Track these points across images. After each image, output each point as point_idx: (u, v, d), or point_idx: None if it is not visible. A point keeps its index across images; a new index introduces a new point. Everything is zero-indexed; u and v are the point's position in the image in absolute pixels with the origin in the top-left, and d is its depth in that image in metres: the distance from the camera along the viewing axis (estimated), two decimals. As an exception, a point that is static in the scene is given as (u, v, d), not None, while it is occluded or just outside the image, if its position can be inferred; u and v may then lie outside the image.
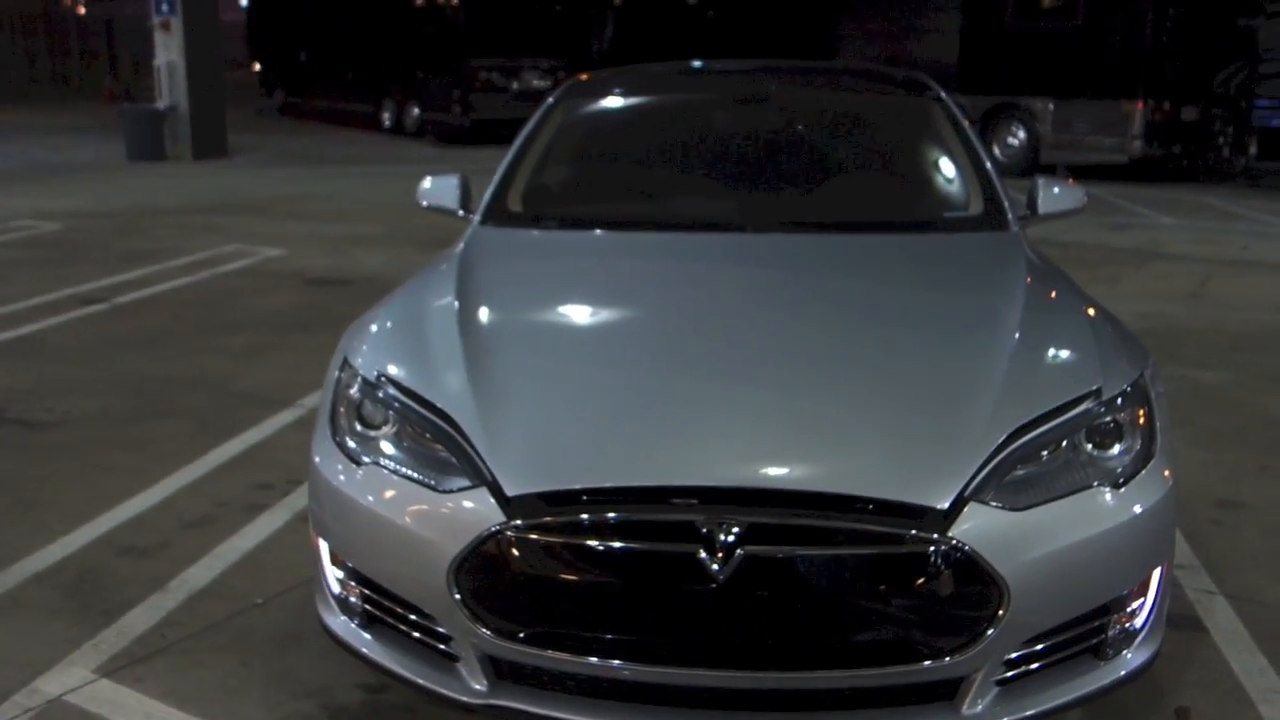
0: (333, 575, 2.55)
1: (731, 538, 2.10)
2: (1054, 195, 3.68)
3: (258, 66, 28.36)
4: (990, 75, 15.25)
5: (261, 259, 8.87)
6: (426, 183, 3.91)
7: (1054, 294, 2.98)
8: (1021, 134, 15.28)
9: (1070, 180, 3.85)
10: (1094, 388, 2.42)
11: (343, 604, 2.54)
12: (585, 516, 2.16)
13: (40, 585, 3.36)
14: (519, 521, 2.18)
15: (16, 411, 4.98)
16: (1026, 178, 3.85)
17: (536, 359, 2.63)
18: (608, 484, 2.21)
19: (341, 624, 2.55)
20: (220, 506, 3.94)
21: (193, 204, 11.89)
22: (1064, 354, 2.63)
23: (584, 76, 4.44)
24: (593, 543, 2.16)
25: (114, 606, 3.21)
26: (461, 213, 3.75)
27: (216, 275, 8.22)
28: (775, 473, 2.24)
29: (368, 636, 2.49)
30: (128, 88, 28.41)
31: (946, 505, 2.15)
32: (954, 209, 3.64)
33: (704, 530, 2.11)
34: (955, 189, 3.70)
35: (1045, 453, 2.31)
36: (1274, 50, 15.22)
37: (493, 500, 2.22)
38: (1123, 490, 2.31)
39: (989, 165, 3.68)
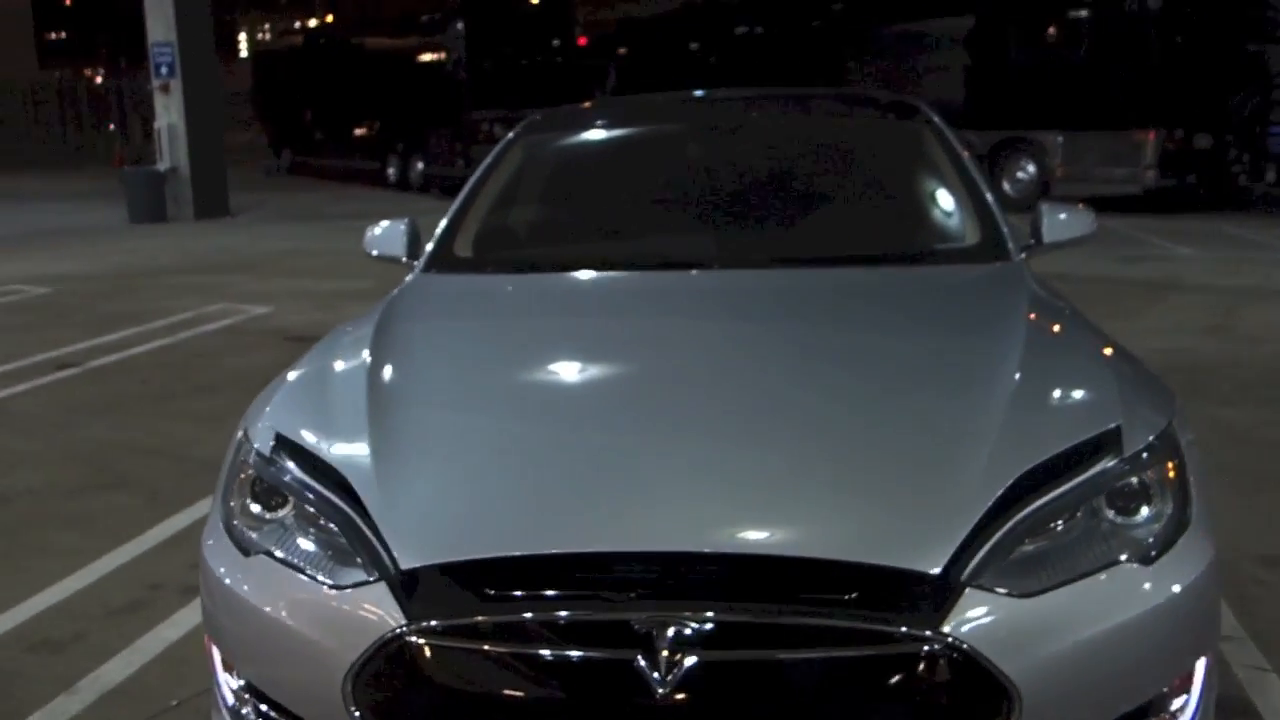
0: (226, 684, 2.18)
1: (676, 636, 1.72)
2: (1060, 221, 3.31)
3: (263, 128, 28.47)
4: (996, 109, 14.96)
5: (246, 318, 8.59)
6: (376, 229, 3.58)
7: (1062, 329, 2.61)
8: (1031, 168, 14.95)
9: (1079, 205, 3.49)
10: (1112, 426, 2.04)
11: (237, 718, 2.17)
12: (486, 619, 1.79)
13: (-62, 688, 3.00)
14: (422, 624, 1.81)
15: (-44, 488, 4.65)
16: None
17: (454, 418, 2.27)
18: (514, 553, 1.84)
19: (238, 743, 2.17)
20: (153, 590, 3.58)
21: (187, 264, 11.68)
22: (1075, 395, 2.25)
23: (546, 111, 4.12)
24: (507, 649, 1.79)
25: (10, 712, 2.84)
26: (406, 260, 3.42)
27: (197, 336, 7.94)
28: (724, 536, 1.86)
29: (265, 759, 2.11)
30: (138, 153, 28.53)
31: (938, 570, 1.77)
32: (949, 240, 3.29)
33: (641, 632, 1.74)
34: (950, 218, 3.34)
35: (1059, 523, 1.92)
36: (1286, 76, 14.91)
37: (393, 599, 1.85)
38: (1155, 566, 1.91)
39: (986, 192, 3.32)
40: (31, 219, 16.88)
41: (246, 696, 2.12)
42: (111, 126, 36.23)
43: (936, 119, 3.68)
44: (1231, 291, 8.71)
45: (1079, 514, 1.93)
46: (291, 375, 2.56)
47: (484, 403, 2.36)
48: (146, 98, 18.68)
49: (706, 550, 1.83)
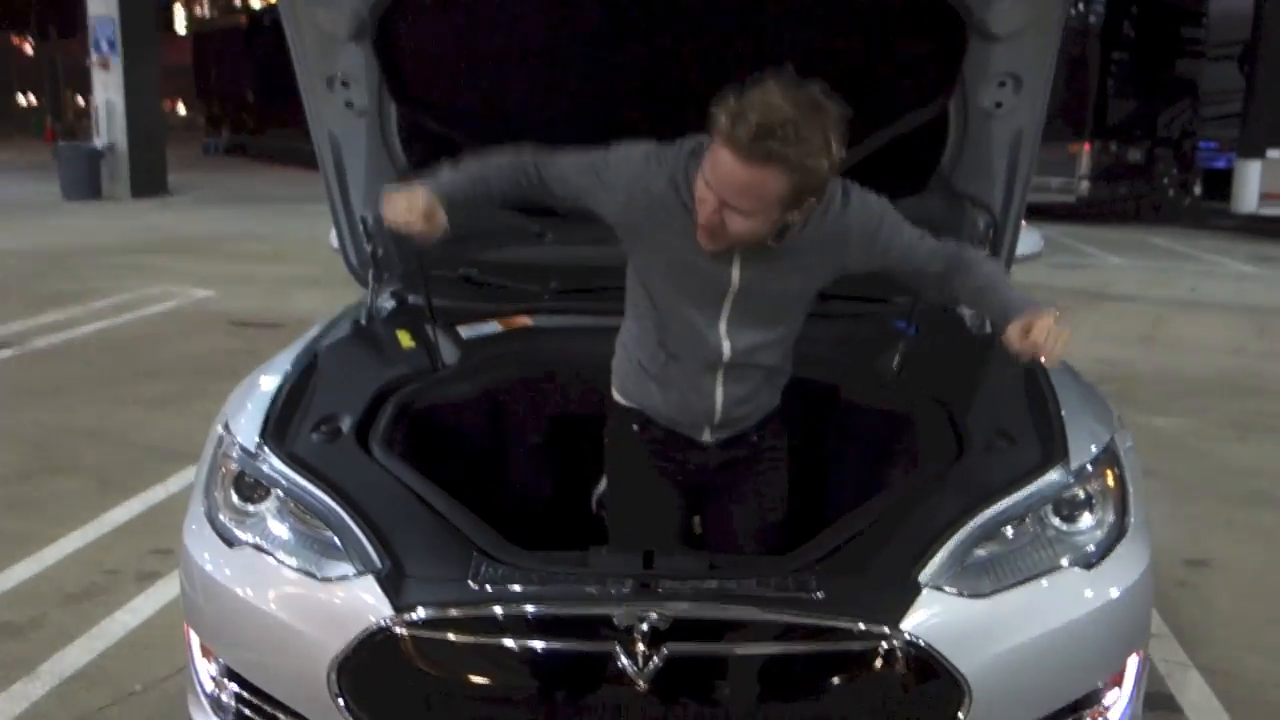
0: (205, 670, 2.23)
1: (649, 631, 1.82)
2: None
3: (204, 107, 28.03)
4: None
5: (189, 300, 8.50)
6: None
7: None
8: (970, 175, 15.28)
9: (1023, 225, 3.63)
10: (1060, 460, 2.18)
11: (215, 704, 2.21)
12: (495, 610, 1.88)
13: (-106, 673, 2.99)
14: (409, 616, 1.89)
15: (-101, 469, 4.59)
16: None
17: None
18: None
19: (213, 727, 2.22)
20: (109, 575, 3.59)
21: (125, 244, 11.49)
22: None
23: None
24: (494, 641, 1.88)
25: (-29, 698, 2.85)
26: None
27: (140, 318, 7.84)
28: None
29: (242, 743, 2.17)
30: (70, 127, 27.84)
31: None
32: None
33: (620, 625, 1.83)
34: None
35: (1009, 529, 2.05)
36: (1215, 93, 15.45)
37: (380, 590, 1.92)
38: (1095, 570, 2.05)
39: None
40: (-40, 192, 16.46)
41: (225, 681, 2.17)
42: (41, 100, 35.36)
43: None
44: (1159, 301, 9.04)
45: (1027, 521, 2.07)
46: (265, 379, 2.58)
47: None
48: (79, 70, 18.31)
49: None
